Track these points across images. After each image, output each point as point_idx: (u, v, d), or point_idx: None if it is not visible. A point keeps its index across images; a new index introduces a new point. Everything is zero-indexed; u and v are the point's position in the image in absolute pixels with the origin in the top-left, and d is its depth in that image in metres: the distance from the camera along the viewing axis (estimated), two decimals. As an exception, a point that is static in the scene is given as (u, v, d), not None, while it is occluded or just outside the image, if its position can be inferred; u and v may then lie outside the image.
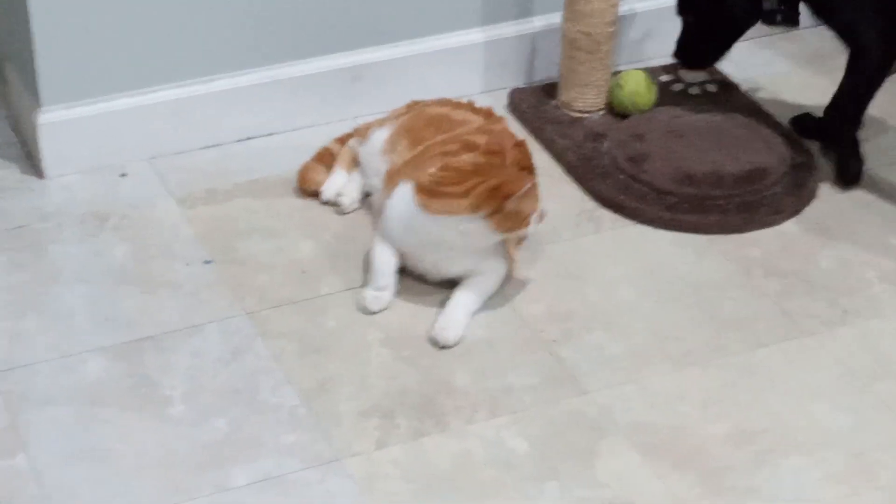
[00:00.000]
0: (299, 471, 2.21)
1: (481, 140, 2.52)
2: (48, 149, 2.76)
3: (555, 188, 2.73)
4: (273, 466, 2.21)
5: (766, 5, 2.83)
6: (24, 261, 2.59)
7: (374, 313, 2.50)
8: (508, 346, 2.45)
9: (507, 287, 2.56)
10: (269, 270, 2.59)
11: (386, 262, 2.52)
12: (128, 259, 2.60)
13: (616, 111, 2.95)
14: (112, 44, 2.72)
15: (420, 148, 2.60)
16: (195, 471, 2.20)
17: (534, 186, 2.45)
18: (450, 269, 2.52)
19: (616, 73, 2.98)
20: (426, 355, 2.42)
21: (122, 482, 2.18)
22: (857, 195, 2.81)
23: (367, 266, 2.56)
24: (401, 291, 2.54)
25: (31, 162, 2.81)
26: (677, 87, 3.05)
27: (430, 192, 2.45)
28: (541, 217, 2.48)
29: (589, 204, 2.78)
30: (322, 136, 2.85)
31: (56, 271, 2.57)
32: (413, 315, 2.51)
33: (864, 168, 2.83)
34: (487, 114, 2.69)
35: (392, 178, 2.58)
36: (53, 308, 2.49)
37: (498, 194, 2.41)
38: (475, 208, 2.42)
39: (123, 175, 2.80)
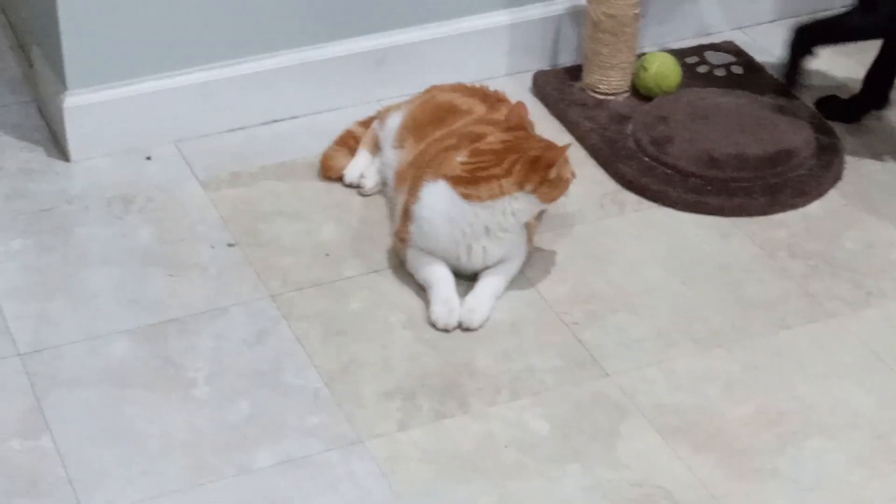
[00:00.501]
0: (322, 452, 2.21)
1: (480, 130, 2.52)
2: (74, 132, 2.76)
3: (579, 170, 2.71)
4: (296, 448, 2.22)
5: None
6: (50, 243, 2.60)
7: (449, 331, 2.44)
8: (531, 328, 2.45)
9: (531, 269, 2.56)
10: (293, 253, 2.59)
11: (439, 271, 2.48)
12: (153, 242, 2.61)
13: (641, 93, 2.94)
14: (137, 27, 2.73)
15: (422, 145, 2.59)
16: (219, 452, 2.21)
17: (563, 151, 2.44)
18: (495, 255, 2.49)
19: (641, 56, 2.97)
20: (448, 337, 2.42)
21: (147, 463, 2.19)
22: (882, 178, 2.80)
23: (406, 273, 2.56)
24: (424, 274, 2.55)
25: (57, 145, 2.82)
26: (702, 68, 3.04)
27: (469, 181, 2.43)
28: (573, 175, 2.49)
29: (613, 186, 2.77)
30: (347, 120, 2.85)
31: (82, 254, 2.58)
32: (436, 297, 2.51)
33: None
34: (496, 100, 2.69)
35: (401, 179, 2.58)
36: (80, 290, 2.50)
37: (540, 165, 2.41)
38: (522, 184, 2.42)
39: (149, 158, 2.80)
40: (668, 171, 2.75)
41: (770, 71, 3.05)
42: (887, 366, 2.39)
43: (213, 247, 2.60)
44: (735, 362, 2.39)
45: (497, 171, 2.42)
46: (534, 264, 2.57)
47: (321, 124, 2.88)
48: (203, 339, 2.41)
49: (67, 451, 2.20)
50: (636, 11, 2.88)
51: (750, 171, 2.74)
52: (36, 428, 2.24)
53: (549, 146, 2.44)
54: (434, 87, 2.77)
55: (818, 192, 2.75)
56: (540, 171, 2.41)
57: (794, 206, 2.72)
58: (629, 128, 2.86)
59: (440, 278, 2.48)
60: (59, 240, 2.61)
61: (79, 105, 2.75)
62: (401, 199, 2.55)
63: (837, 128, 2.89)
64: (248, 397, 2.30)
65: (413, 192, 2.50)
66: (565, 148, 2.43)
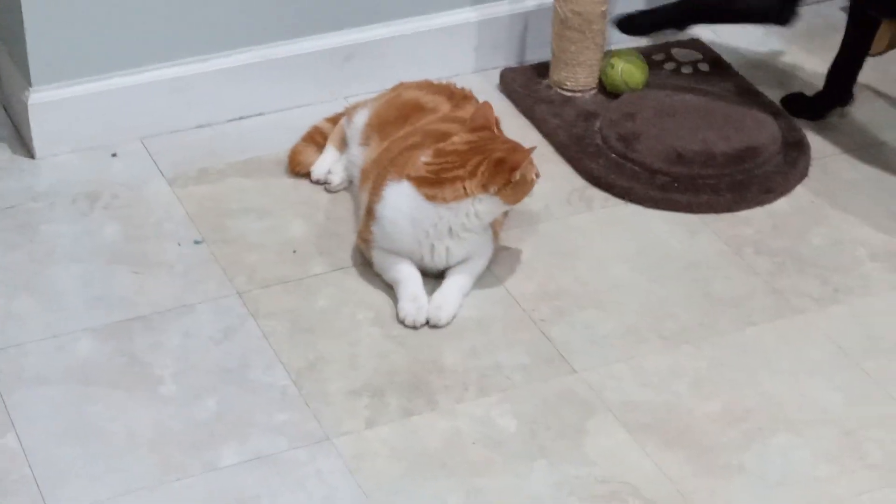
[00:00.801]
0: (289, 450, 2.21)
1: (444, 128, 2.52)
2: (39, 129, 2.75)
3: (546, 167, 2.72)
4: (263, 445, 2.21)
5: None
6: (15, 241, 2.59)
7: (417, 327, 2.44)
8: (498, 324, 2.45)
9: (498, 266, 2.56)
10: (260, 250, 2.59)
11: (406, 269, 2.48)
12: (119, 239, 2.60)
13: (608, 90, 2.95)
14: (103, 23, 2.72)
15: (386, 143, 2.59)
16: (186, 450, 2.20)
17: (528, 153, 2.44)
18: (459, 254, 2.48)
19: (608, 53, 2.97)
20: (416, 335, 2.42)
21: (113, 461, 2.18)
22: (849, 174, 2.81)
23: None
24: (392, 271, 2.54)
25: (21, 142, 2.81)
26: (669, 65, 3.05)
27: (433, 182, 2.43)
28: (537, 176, 2.49)
29: (580, 183, 2.77)
30: (314, 116, 2.85)
31: (47, 251, 2.57)
32: (404, 294, 2.51)
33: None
34: (462, 98, 2.69)
35: (366, 177, 2.57)
36: (45, 288, 2.49)
37: (505, 167, 2.41)
38: (486, 186, 2.42)
39: (114, 155, 2.79)
40: (636, 168, 2.75)
41: (736, 68, 3.05)
42: (854, 362, 2.40)
43: (179, 244, 2.59)
44: (702, 359, 2.40)
45: (461, 172, 2.42)
46: (501, 261, 2.57)
47: (289, 121, 2.88)
48: (169, 336, 2.40)
49: (32, 450, 2.19)
50: (603, 9, 2.89)
51: (717, 167, 2.74)
52: (0, 426, 2.23)
53: (514, 148, 2.44)
54: (401, 85, 2.76)
55: (784, 189, 2.75)
56: (504, 174, 2.41)
57: (760, 203, 2.73)
58: (596, 125, 2.86)
59: (407, 276, 2.47)
60: (24, 237, 2.60)
61: (43, 102, 2.74)
62: (364, 198, 2.55)
63: (803, 125, 2.90)
64: (215, 395, 2.30)
65: (376, 191, 2.50)
66: (530, 150, 2.43)
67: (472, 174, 2.41)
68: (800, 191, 2.77)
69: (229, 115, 2.89)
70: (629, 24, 2.94)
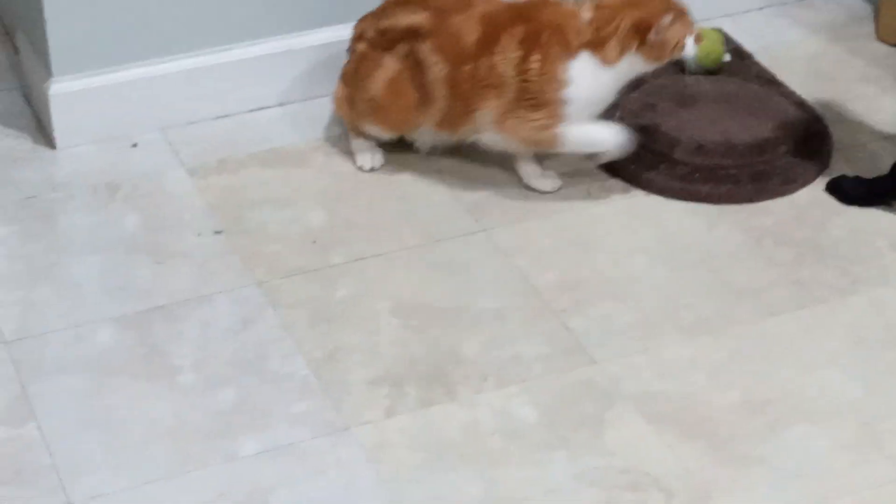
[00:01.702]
0: (309, 440, 2.22)
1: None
2: (59, 119, 2.76)
3: (566, 158, 2.73)
4: (283, 435, 2.22)
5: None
6: (35, 231, 2.60)
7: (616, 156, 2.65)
8: (518, 315, 2.46)
9: (518, 256, 2.57)
10: (279, 241, 2.59)
11: (605, 126, 2.65)
12: (138, 229, 2.61)
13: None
14: (123, 13, 2.73)
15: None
16: (205, 440, 2.21)
17: (679, 14, 2.52)
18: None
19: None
20: (435, 325, 2.43)
21: (133, 451, 2.19)
22: (868, 165, 2.80)
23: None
24: (409, 258, 2.55)
25: (42, 132, 2.82)
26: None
27: (597, 44, 2.54)
28: (698, 38, 2.57)
29: (600, 174, 2.77)
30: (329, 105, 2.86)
31: (67, 241, 2.58)
32: (422, 284, 2.51)
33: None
34: None
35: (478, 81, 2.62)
36: (65, 278, 2.50)
37: (640, 29, 2.50)
38: (623, 48, 2.53)
39: (135, 145, 2.80)
40: (656, 159, 2.75)
41: (757, 58, 3.05)
42: (873, 352, 2.40)
43: (199, 234, 2.60)
44: (721, 349, 2.40)
45: (609, 30, 2.54)
46: (521, 252, 2.58)
47: (308, 111, 2.89)
48: (188, 326, 2.41)
49: (53, 439, 2.20)
50: None
51: (737, 158, 2.74)
52: (21, 416, 2.24)
53: (656, 12, 2.54)
54: None
55: (805, 180, 2.75)
56: (640, 34, 2.52)
57: (781, 194, 2.72)
58: (616, 115, 2.86)
59: (602, 131, 2.65)
60: (44, 227, 2.61)
61: (64, 92, 2.75)
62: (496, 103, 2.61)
63: (825, 115, 2.89)
64: (234, 385, 2.30)
65: (543, 81, 2.57)
66: (670, 15, 2.52)
67: (615, 33, 2.54)
68: (820, 182, 2.76)
69: (249, 105, 2.90)
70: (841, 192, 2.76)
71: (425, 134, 2.70)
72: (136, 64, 2.79)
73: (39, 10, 2.68)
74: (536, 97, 2.58)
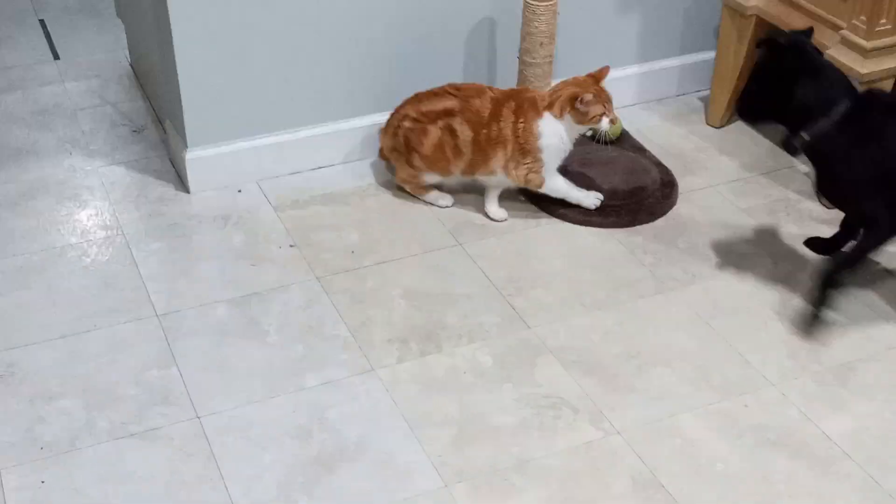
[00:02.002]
0: (348, 377, 2.22)
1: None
2: (192, 175, 2.76)
3: (512, 203, 2.72)
4: (332, 374, 2.22)
5: (794, 142, 2.21)
6: (176, 245, 2.60)
7: (597, 206, 2.60)
8: (481, 297, 2.45)
9: (481, 260, 2.55)
10: (331, 251, 2.58)
11: (566, 181, 2.59)
12: (242, 244, 2.60)
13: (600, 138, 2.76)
14: (234, 107, 2.72)
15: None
16: (284, 376, 2.21)
17: (596, 99, 2.47)
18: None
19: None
20: (429, 304, 2.42)
21: (238, 384, 2.19)
22: (704, 202, 2.78)
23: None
24: (412, 262, 2.53)
25: (181, 183, 2.81)
26: (589, 133, 3.01)
27: (551, 105, 2.50)
28: (613, 121, 2.51)
29: (535, 209, 2.75)
30: (366, 167, 2.83)
31: (197, 252, 2.58)
32: (421, 278, 2.49)
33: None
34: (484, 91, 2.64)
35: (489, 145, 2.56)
36: (195, 274, 2.50)
37: (572, 98, 2.48)
38: (562, 108, 2.49)
39: (240, 191, 2.79)
40: (569, 202, 2.72)
41: (633, 135, 3.04)
42: (705, 322, 2.40)
43: (280, 247, 2.60)
44: (609, 319, 2.39)
45: (554, 97, 2.50)
46: (483, 258, 2.56)
47: (351, 169, 2.87)
48: (274, 305, 2.40)
49: (188, 377, 2.21)
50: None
51: (620, 199, 2.73)
52: (167, 362, 2.24)
53: (586, 91, 2.48)
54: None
55: (662, 213, 2.74)
56: (571, 102, 2.49)
57: (647, 222, 2.71)
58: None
59: (566, 183, 2.60)
60: (182, 242, 2.60)
61: (195, 157, 2.74)
62: (501, 158, 2.56)
63: (674, 172, 2.87)
64: (302, 342, 2.30)
65: (526, 135, 2.51)
66: (590, 95, 2.47)
67: (555, 100, 2.50)
68: (671, 215, 2.75)
69: (313, 165, 2.88)
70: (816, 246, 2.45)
71: (454, 178, 2.67)
72: (242, 139, 2.78)
73: (180, 107, 2.68)
74: (524, 147, 2.56)
